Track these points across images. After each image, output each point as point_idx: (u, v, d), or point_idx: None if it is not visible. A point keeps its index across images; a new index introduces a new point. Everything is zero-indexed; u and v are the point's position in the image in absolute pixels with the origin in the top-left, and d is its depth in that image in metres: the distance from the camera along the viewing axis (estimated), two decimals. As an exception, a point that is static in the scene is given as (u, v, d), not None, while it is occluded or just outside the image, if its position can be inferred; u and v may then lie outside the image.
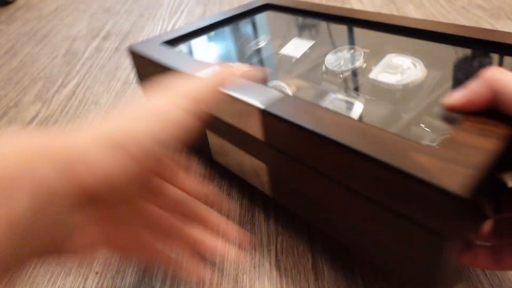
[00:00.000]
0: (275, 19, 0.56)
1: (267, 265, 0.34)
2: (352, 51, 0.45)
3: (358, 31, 0.49)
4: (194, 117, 0.22)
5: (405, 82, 0.38)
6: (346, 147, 0.25)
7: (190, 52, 0.47)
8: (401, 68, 0.40)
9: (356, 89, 0.40)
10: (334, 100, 0.35)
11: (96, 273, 0.34)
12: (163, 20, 0.80)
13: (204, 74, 0.25)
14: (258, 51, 0.50)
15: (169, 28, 0.77)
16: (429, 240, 0.23)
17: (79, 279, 0.34)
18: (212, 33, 0.50)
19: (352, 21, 0.50)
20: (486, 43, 0.40)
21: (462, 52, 0.42)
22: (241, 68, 0.27)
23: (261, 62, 0.49)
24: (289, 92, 0.38)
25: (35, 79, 0.62)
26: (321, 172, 0.28)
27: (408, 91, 0.38)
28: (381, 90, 0.39)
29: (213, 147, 0.40)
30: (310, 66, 0.46)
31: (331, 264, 0.34)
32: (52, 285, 0.33)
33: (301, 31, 0.54)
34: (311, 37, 0.51)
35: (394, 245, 0.27)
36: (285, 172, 0.32)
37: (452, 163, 0.22)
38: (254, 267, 0.34)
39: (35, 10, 0.85)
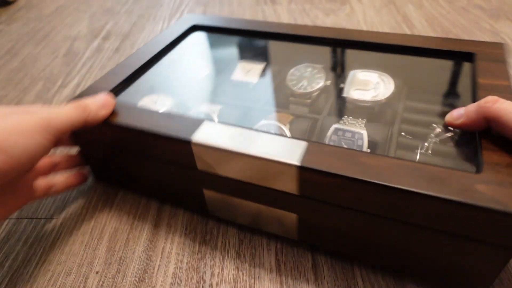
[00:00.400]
0: (208, 42, 0.52)
1: (267, 265, 0.34)
2: (310, 69, 0.44)
3: (303, 47, 0.48)
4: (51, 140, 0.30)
5: (380, 97, 0.39)
6: (409, 192, 0.25)
7: (139, 98, 0.40)
8: (371, 83, 0.40)
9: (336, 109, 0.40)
10: (338, 131, 0.34)
11: (97, 272, 0.34)
12: (164, 20, 0.80)
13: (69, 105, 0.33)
14: (206, 80, 0.46)
15: (169, 29, 0.77)
16: (497, 254, 0.26)
17: (80, 279, 0.34)
18: (151, 70, 0.44)
19: (293, 37, 0.48)
20: (435, 51, 0.42)
21: (416, 61, 0.44)
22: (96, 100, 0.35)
23: (215, 93, 0.45)
24: (287, 132, 0.36)
25: (35, 79, 0.62)
26: (376, 215, 0.28)
27: (384, 105, 0.39)
28: (360, 108, 0.39)
29: (211, 204, 0.36)
30: (273, 91, 0.44)
31: (331, 264, 0.34)
32: (52, 285, 0.33)
33: (243, 52, 0.50)
34: (255, 58, 0.48)
35: (459, 263, 0.28)
36: (325, 218, 0.31)
37: (508, 186, 0.25)
38: (254, 267, 0.34)
39: (36, 11, 0.85)
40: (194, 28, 0.52)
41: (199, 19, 0.52)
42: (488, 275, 0.29)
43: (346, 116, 0.37)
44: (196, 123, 0.33)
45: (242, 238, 0.36)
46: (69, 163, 0.40)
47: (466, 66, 0.40)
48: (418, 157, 0.33)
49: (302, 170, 0.27)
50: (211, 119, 0.35)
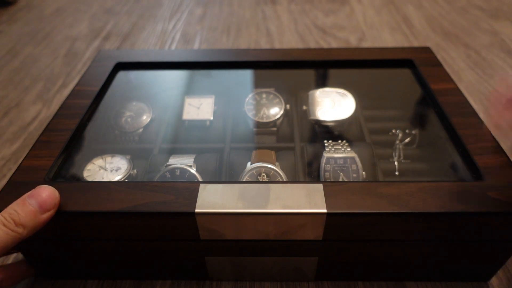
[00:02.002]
0: (140, 81, 0.46)
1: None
2: (264, 95, 0.42)
3: (245, 73, 0.46)
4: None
5: (346, 114, 0.40)
6: (441, 214, 0.26)
7: (83, 167, 0.35)
8: (333, 101, 0.41)
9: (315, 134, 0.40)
10: (329, 160, 0.34)
11: None
12: (164, 21, 0.80)
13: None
14: (155, 127, 0.41)
15: (170, 28, 0.77)
16: (503, 248, 0.29)
17: (80, 279, 0.34)
18: (88, 129, 0.37)
19: (231, 64, 0.45)
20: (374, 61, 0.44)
21: (363, 72, 0.45)
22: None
23: (173, 140, 0.40)
24: (282, 174, 0.33)
25: (36, 80, 0.62)
26: (399, 240, 0.29)
27: (351, 121, 0.40)
28: (331, 128, 0.40)
29: (214, 269, 0.32)
30: (234, 125, 0.41)
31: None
32: (53, 285, 0.33)
33: (184, 87, 0.46)
34: (200, 92, 0.43)
35: (465, 262, 0.31)
36: (346, 254, 0.31)
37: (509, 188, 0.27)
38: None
39: (36, 11, 0.85)
40: (118, 67, 0.45)
41: (119, 56, 0.46)
42: (490, 268, 0.31)
43: (326, 141, 0.36)
44: (190, 189, 0.28)
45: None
46: (13, 278, 0.31)
47: (409, 72, 0.43)
48: (397, 166, 0.36)
49: (330, 216, 0.26)
50: (192, 175, 0.32)
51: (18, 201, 0.26)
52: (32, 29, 0.78)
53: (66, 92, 0.59)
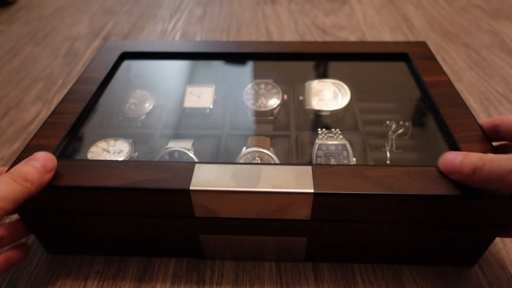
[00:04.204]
0: (144, 70, 0.47)
1: (267, 264, 0.34)
2: (263, 85, 0.43)
3: (246, 64, 0.47)
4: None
5: (341, 104, 0.41)
6: (422, 196, 0.27)
7: (87, 148, 0.36)
8: (329, 92, 0.42)
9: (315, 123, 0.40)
10: (321, 147, 0.35)
11: (97, 272, 0.34)
12: (164, 21, 0.80)
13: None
14: (157, 113, 0.42)
15: (170, 28, 0.77)
16: (487, 232, 0.30)
17: (80, 278, 0.34)
18: (93, 114, 0.39)
19: (232, 55, 0.46)
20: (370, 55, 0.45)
21: (360, 65, 0.46)
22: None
23: (174, 126, 0.41)
24: (275, 157, 0.34)
25: (36, 80, 0.62)
26: (385, 222, 0.30)
27: (346, 111, 0.41)
28: (325, 118, 0.41)
29: (208, 247, 0.33)
30: (232, 113, 0.42)
31: (331, 264, 0.34)
32: (53, 284, 0.33)
33: (186, 76, 0.47)
34: (201, 81, 0.44)
35: (452, 245, 0.31)
36: (335, 235, 0.31)
37: None
38: (254, 267, 0.34)
39: (36, 11, 0.85)
40: (123, 56, 0.46)
41: (125, 46, 0.47)
42: (474, 253, 0.32)
43: (320, 129, 0.37)
44: (186, 168, 0.29)
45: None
46: (14, 236, 0.32)
47: (404, 65, 0.44)
48: (388, 155, 0.37)
49: (317, 196, 0.27)
50: (190, 158, 0.34)
51: (21, 163, 0.28)
52: (32, 29, 0.78)
53: (66, 92, 0.59)
